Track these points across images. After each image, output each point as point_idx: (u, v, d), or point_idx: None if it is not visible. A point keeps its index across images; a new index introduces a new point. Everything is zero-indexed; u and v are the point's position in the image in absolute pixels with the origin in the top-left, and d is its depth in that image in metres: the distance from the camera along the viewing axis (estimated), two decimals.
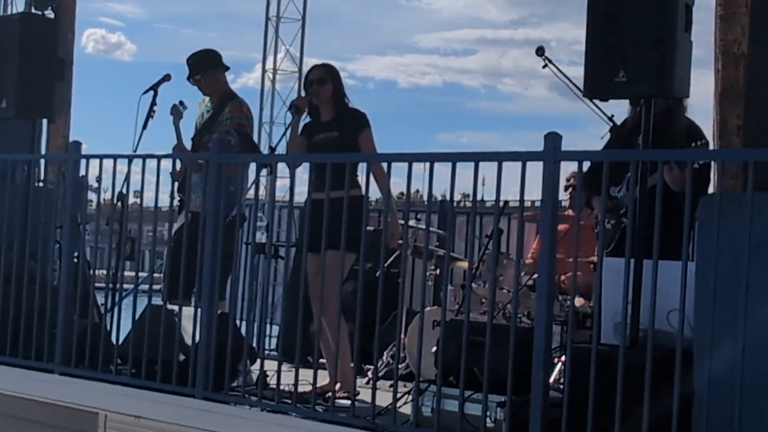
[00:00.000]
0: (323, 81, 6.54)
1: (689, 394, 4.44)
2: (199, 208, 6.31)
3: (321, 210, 5.61)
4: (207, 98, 7.47)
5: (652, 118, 5.09)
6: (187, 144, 7.40)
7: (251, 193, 6.31)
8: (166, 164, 6.53)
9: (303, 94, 6.67)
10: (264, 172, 6.31)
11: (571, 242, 5.05)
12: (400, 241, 6.13)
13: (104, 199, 7.11)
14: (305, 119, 6.62)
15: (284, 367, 5.77)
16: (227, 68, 7.48)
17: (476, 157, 5.08)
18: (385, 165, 5.56)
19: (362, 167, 5.72)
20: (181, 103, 7.32)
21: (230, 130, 7.10)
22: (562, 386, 5.16)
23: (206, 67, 7.39)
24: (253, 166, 6.23)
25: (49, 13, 7.83)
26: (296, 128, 6.58)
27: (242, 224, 6.90)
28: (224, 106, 7.29)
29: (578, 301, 6.68)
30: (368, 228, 5.95)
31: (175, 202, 6.61)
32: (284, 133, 6.49)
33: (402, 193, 10.65)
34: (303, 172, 6.33)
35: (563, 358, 5.85)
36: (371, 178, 5.64)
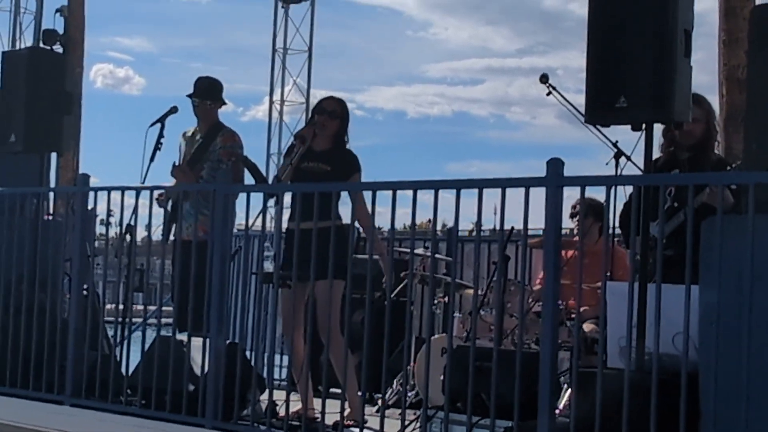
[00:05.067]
0: (334, 114, 6.58)
1: (696, 417, 4.45)
2: (191, 236, 6.35)
3: (308, 239, 5.66)
4: (192, 129, 7.52)
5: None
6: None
7: (258, 223, 6.32)
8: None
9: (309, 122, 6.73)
10: (271, 201, 6.34)
11: (578, 269, 5.07)
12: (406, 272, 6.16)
13: (115, 233, 7.17)
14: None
15: (293, 396, 5.79)
16: (224, 103, 7.55)
17: (480, 184, 5.13)
18: (390, 192, 5.58)
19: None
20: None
21: (222, 158, 7.16)
22: None
23: (213, 96, 7.46)
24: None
25: (58, 48, 7.91)
26: None
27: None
28: (215, 135, 7.35)
29: (587, 327, 6.69)
30: (376, 257, 5.96)
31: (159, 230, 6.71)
32: (289, 164, 6.52)
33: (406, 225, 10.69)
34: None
35: None
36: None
